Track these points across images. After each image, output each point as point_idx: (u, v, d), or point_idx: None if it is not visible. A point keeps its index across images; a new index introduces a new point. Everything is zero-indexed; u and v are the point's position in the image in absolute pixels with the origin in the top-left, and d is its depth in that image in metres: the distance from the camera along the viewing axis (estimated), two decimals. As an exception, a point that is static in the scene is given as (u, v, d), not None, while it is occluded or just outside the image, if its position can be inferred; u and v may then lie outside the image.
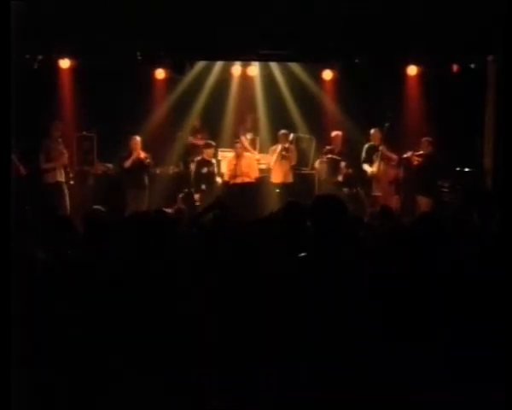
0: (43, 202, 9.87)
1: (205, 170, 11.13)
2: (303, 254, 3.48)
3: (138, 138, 10.95)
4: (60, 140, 10.66)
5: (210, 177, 11.15)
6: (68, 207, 10.33)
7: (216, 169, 11.33)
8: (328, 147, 11.26)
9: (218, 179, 11.29)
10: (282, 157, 11.15)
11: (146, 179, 10.97)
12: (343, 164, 11.00)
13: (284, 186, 11.10)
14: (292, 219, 4.79)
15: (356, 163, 11.10)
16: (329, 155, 11.14)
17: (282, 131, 11.28)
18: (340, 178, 11.01)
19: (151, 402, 3.44)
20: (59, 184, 10.49)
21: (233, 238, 4.31)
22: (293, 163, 11.27)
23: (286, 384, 3.30)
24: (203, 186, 11.00)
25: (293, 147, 11.30)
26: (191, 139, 11.75)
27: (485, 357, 3.27)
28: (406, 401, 3.23)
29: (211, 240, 4.32)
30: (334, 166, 11.09)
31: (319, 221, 3.53)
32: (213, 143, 11.38)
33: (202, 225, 4.86)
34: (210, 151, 11.23)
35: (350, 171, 11.00)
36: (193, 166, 11.21)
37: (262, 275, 3.72)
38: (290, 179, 11.22)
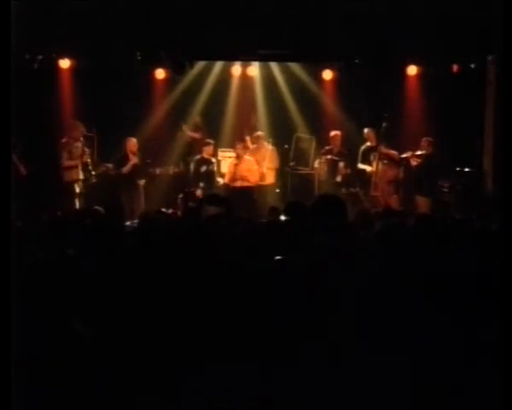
0: (62, 200, 10.22)
1: (203, 168, 11.14)
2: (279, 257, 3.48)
3: (135, 140, 11.01)
4: (81, 139, 10.78)
5: (209, 175, 11.15)
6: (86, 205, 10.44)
7: (216, 168, 11.33)
8: (326, 147, 11.28)
9: (219, 179, 11.29)
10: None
11: (140, 181, 10.99)
12: (342, 164, 11.02)
13: (262, 188, 11.19)
14: (293, 219, 4.80)
15: (355, 163, 11.11)
16: (328, 156, 11.16)
17: (258, 133, 11.45)
18: (338, 178, 11.03)
19: (151, 402, 3.45)
20: (78, 182, 10.68)
21: (234, 238, 4.32)
22: (275, 165, 11.33)
23: (287, 385, 3.31)
24: (202, 185, 11.02)
25: (269, 146, 11.36)
26: (190, 134, 11.73)
27: (484, 357, 3.28)
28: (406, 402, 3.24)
29: (211, 239, 4.32)
30: (332, 167, 11.11)
31: (319, 221, 3.53)
32: (212, 142, 11.39)
33: (201, 223, 4.84)
34: (209, 149, 11.23)
35: (348, 171, 11.01)
36: (192, 165, 11.22)
37: (263, 275, 3.73)
38: (269, 180, 11.28)
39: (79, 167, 10.70)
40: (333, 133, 11.24)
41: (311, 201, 3.76)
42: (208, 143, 11.29)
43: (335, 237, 3.45)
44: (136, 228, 5.43)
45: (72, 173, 10.70)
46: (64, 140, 10.81)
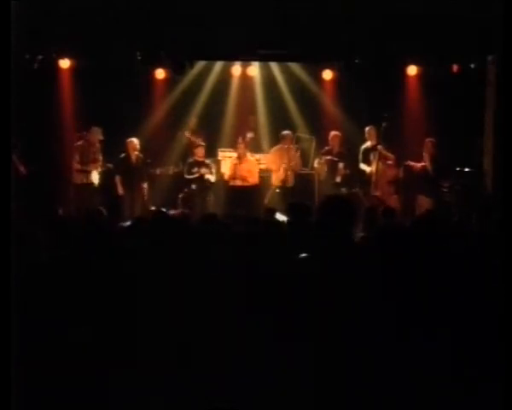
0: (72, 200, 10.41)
1: (195, 170, 11.16)
2: (304, 255, 3.46)
3: (135, 140, 11.01)
4: (98, 145, 10.83)
5: (201, 177, 11.14)
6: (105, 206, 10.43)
7: (210, 169, 11.29)
8: (326, 147, 11.28)
9: (211, 178, 11.21)
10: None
11: (141, 180, 10.98)
12: (341, 165, 11.00)
13: (283, 189, 11.12)
14: (295, 220, 4.80)
15: (354, 164, 11.10)
16: (328, 156, 11.15)
17: (286, 132, 11.31)
18: (338, 179, 11.02)
19: (151, 402, 3.45)
20: (89, 185, 10.73)
21: (235, 239, 4.32)
22: (296, 167, 11.26)
23: (287, 384, 3.30)
24: (193, 186, 11.06)
25: (294, 148, 11.32)
26: (190, 137, 11.73)
27: (483, 357, 3.28)
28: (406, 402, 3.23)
29: (213, 240, 4.32)
30: (332, 167, 11.10)
31: (327, 223, 3.50)
32: (203, 144, 11.38)
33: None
34: (200, 151, 11.23)
35: (348, 172, 11.00)
36: (185, 168, 11.24)
37: (265, 275, 3.73)
38: (290, 183, 11.22)
39: (91, 172, 10.75)
40: (332, 134, 11.23)
41: (318, 202, 3.75)
42: (199, 145, 11.29)
43: (343, 238, 3.45)
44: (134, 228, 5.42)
45: (82, 176, 10.75)
46: (79, 143, 10.86)
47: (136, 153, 11.01)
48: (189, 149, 11.59)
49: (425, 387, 3.23)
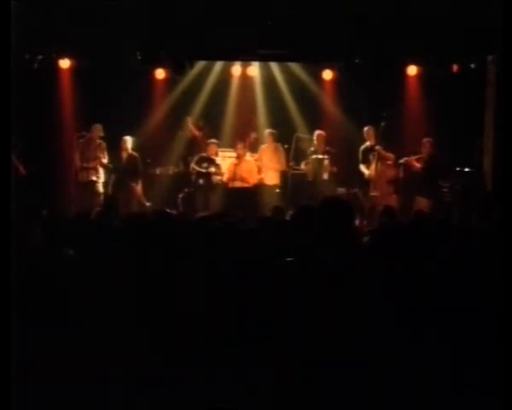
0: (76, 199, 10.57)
1: (205, 165, 11.17)
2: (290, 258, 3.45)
3: (128, 139, 11.02)
4: (99, 142, 10.89)
5: (209, 174, 11.16)
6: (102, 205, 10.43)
7: (219, 169, 11.30)
8: (311, 148, 11.24)
9: (217, 178, 11.24)
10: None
11: (133, 180, 10.97)
12: (326, 162, 11.01)
13: (271, 188, 11.16)
14: (300, 221, 4.79)
15: (348, 162, 11.08)
16: (313, 156, 11.14)
17: (267, 131, 11.34)
18: (325, 176, 11.02)
19: (151, 402, 3.45)
20: (92, 183, 10.79)
21: (238, 240, 4.31)
22: (280, 166, 11.26)
23: (285, 386, 3.30)
24: (201, 181, 11.07)
25: (278, 146, 11.31)
26: (193, 130, 11.69)
27: (483, 357, 3.28)
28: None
29: (214, 240, 4.32)
30: (319, 166, 11.09)
31: (325, 223, 3.50)
32: (216, 141, 11.40)
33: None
34: (213, 149, 11.25)
35: (335, 169, 11.01)
36: (193, 163, 11.23)
37: (267, 275, 3.73)
38: (272, 181, 11.22)
39: (93, 170, 10.78)
40: (316, 133, 11.24)
41: (317, 204, 3.73)
42: (212, 143, 11.31)
43: (340, 239, 3.45)
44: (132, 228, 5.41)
45: (84, 174, 10.80)
46: (81, 140, 10.90)
47: (129, 152, 11.01)
48: (197, 145, 11.58)
49: (424, 386, 3.23)
